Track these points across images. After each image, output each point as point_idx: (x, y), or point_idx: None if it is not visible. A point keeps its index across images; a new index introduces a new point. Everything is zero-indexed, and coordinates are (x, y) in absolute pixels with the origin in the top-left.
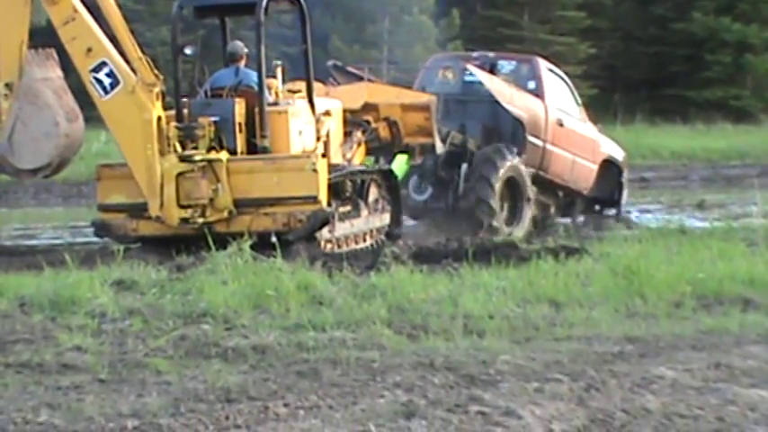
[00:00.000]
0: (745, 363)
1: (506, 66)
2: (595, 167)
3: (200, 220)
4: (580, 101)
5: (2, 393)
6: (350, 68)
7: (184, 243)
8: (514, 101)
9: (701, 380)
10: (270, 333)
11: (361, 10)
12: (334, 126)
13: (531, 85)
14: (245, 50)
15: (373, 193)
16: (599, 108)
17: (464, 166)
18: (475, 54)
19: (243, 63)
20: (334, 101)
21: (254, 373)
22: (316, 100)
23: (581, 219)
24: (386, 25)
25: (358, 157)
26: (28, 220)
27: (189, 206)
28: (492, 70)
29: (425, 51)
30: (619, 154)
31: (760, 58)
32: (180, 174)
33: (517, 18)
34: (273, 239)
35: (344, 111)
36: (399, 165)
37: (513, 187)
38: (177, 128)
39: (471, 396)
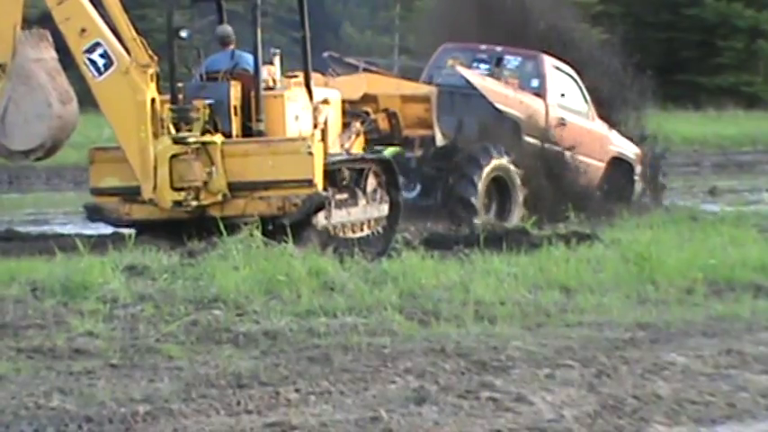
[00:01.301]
0: (756, 349)
1: (512, 61)
2: (602, 165)
3: (194, 204)
4: (589, 98)
5: (14, 378)
6: (347, 59)
7: (178, 228)
8: (509, 101)
9: (712, 366)
10: (281, 319)
11: None
12: (333, 115)
13: (535, 83)
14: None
15: (372, 182)
16: None
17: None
18: (483, 47)
19: (233, 46)
20: (333, 90)
21: (266, 359)
22: (314, 89)
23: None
24: (397, 11)
25: (356, 148)
26: (40, 204)
27: (182, 189)
28: (498, 64)
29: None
30: (631, 151)
31: None
32: (173, 156)
33: None
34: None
35: (343, 101)
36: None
37: (501, 187)
38: (171, 110)
39: (482, 382)
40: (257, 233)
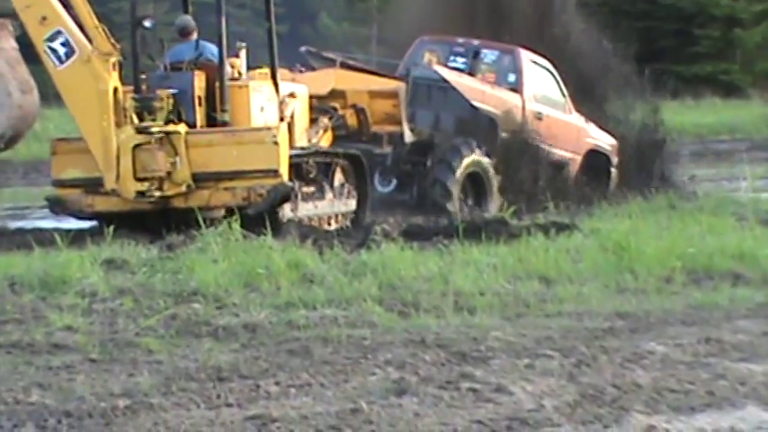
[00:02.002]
0: (735, 337)
1: (489, 55)
2: (578, 157)
3: (158, 194)
4: (566, 92)
5: None
6: (324, 53)
7: (142, 219)
8: (486, 98)
9: (692, 354)
10: (261, 311)
11: None
12: (300, 110)
13: (512, 78)
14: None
15: (339, 177)
16: None
17: (430, 161)
18: (459, 40)
19: (195, 37)
20: (300, 85)
21: (245, 352)
22: (280, 82)
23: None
24: (374, 2)
25: (324, 144)
26: (17, 199)
27: (145, 179)
28: (475, 57)
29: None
30: (607, 142)
31: (749, 32)
32: (136, 146)
33: None
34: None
35: (311, 97)
36: None
37: (476, 183)
38: (134, 99)
39: (462, 373)
40: (236, 226)
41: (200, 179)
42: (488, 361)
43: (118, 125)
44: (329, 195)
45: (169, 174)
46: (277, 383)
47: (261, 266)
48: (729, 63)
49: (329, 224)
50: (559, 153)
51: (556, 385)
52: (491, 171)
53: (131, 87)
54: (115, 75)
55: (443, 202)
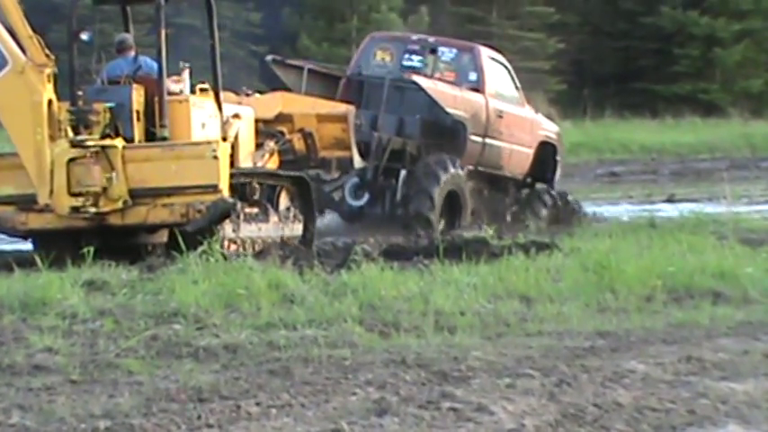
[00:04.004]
0: (715, 356)
1: (447, 53)
2: (532, 151)
3: (93, 210)
4: (519, 84)
5: None
6: (289, 61)
7: (77, 238)
8: (457, 103)
9: (673, 373)
10: (241, 332)
11: (330, 8)
12: (245, 132)
13: (473, 76)
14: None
15: (285, 200)
16: (568, 103)
17: (403, 173)
18: (414, 37)
19: (132, 52)
20: (246, 108)
21: (226, 373)
22: (225, 104)
23: (543, 213)
24: (354, 23)
25: (270, 168)
26: None
27: (80, 194)
28: (432, 53)
29: None
30: (554, 131)
31: (728, 51)
32: (71, 160)
33: (486, 14)
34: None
35: (257, 120)
36: None
37: (452, 199)
38: (70, 112)
39: (443, 392)
40: (216, 246)
41: (137, 195)
42: (469, 380)
43: (52, 138)
44: (274, 218)
45: (105, 189)
46: (258, 404)
47: (241, 287)
48: (709, 82)
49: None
50: (518, 150)
51: (537, 404)
52: (466, 188)
53: (68, 101)
54: (50, 87)
55: (428, 214)
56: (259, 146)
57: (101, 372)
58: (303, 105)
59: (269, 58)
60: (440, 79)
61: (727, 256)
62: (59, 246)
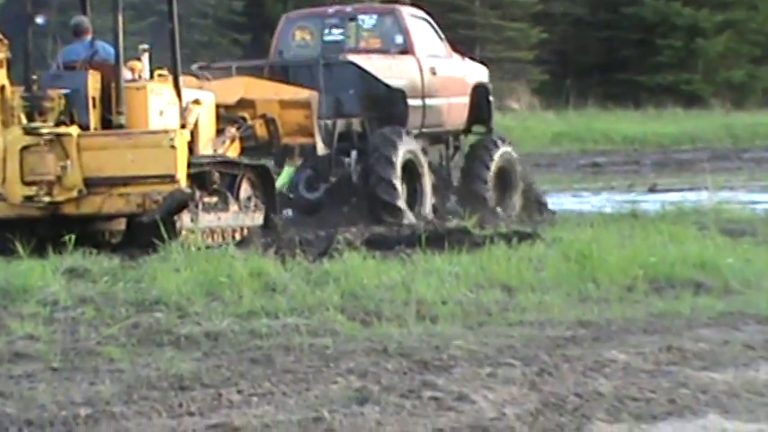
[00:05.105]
0: (696, 346)
1: (368, 20)
2: (467, 99)
3: (46, 199)
4: (443, 35)
5: None
6: (215, 65)
7: (32, 227)
8: (393, 72)
9: (653, 363)
10: (223, 320)
11: None
12: (205, 118)
13: (399, 39)
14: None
15: (245, 189)
16: (551, 93)
17: (353, 153)
18: (330, 10)
19: (90, 36)
20: (206, 93)
21: (208, 361)
22: (184, 89)
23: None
24: None
25: (231, 155)
26: None
27: (34, 183)
28: (352, 21)
29: None
30: (484, 75)
31: (710, 42)
32: (24, 147)
33: (468, 3)
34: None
35: (218, 106)
36: (285, 176)
37: (410, 171)
38: (24, 98)
39: (424, 381)
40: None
41: (92, 184)
42: (450, 369)
43: (5, 125)
44: (234, 207)
45: (59, 178)
46: (239, 392)
47: (223, 275)
48: (691, 73)
49: (233, 237)
50: (455, 102)
51: (518, 394)
52: (423, 159)
53: (22, 86)
54: (2, 72)
55: (392, 201)
56: (220, 132)
57: (82, 359)
58: (265, 91)
59: (194, 66)
60: (366, 49)
61: (709, 246)
62: (13, 234)
